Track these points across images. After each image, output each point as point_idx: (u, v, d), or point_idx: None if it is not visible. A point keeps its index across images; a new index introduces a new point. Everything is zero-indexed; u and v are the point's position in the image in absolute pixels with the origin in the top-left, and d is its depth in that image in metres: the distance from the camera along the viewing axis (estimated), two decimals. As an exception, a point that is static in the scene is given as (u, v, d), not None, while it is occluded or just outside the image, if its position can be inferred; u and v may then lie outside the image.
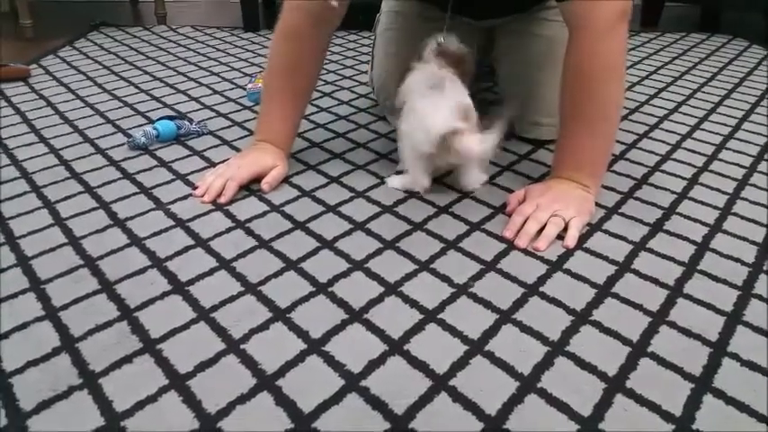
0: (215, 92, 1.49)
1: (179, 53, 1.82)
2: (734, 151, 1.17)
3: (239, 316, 0.72)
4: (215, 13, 2.37)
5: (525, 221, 0.88)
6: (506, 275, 0.80)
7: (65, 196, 0.99)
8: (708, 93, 1.49)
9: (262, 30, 2.08)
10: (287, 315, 0.72)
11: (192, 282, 0.78)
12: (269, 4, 2.31)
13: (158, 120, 1.21)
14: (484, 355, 0.67)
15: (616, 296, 0.76)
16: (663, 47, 1.90)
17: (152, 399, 0.61)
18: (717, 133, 1.25)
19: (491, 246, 0.87)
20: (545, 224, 0.88)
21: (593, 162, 0.94)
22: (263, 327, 0.70)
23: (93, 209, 0.95)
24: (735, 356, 0.67)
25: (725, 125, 1.29)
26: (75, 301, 0.75)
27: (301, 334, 0.69)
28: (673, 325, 0.71)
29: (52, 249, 0.85)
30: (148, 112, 1.35)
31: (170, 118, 1.22)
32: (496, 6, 1.16)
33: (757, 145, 1.20)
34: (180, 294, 0.76)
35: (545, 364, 0.65)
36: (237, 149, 1.17)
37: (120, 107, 1.38)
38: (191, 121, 1.23)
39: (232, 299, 0.75)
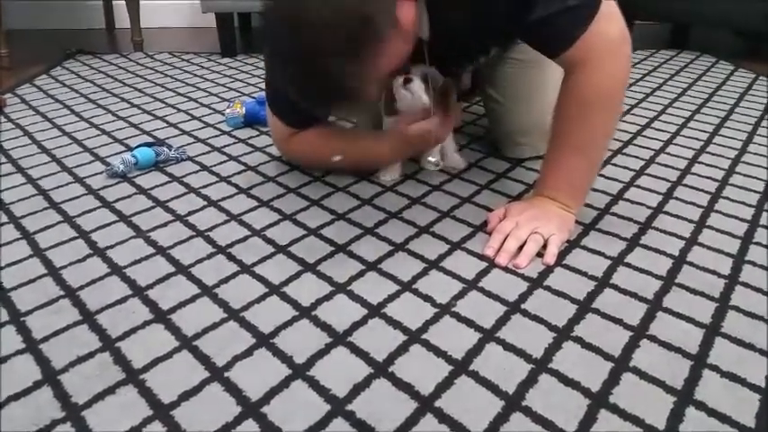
0: (193, 117, 1.49)
1: (156, 80, 1.82)
2: (706, 165, 1.20)
3: (222, 343, 0.72)
4: (192, 39, 2.38)
5: (505, 239, 0.89)
6: (488, 294, 0.81)
7: (44, 226, 0.98)
8: (679, 108, 1.53)
9: (239, 55, 2.09)
10: (270, 340, 0.72)
11: (173, 309, 0.78)
12: (246, 30, 2.33)
13: (137, 147, 1.21)
14: (468, 375, 0.67)
15: (597, 311, 0.77)
16: (633, 64, 1.95)
17: (136, 430, 0.60)
18: (689, 147, 1.28)
19: (472, 264, 0.87)
20: (525, 241, 0.89)
21: (575, 184, 0.95)
22: (247, 353, 0.70)
23: (73, 238, 0.95)
24: (715, 368, 0.68)
25: (696, 140, 1.33)
26: (56, 333, 0.74)
27: (285, 359, 0.69)
28: (653, 339, 0.72)
29: (32, 281, 0.84)
30: (127, 139, 1.34)
31: (148, 145, 1.22)
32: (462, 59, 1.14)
33: (728, 158, 1.23)
34: (162, 323, 0.75)
35: (529, 382, 0.66)
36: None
37: (97, 135, 1.37)
38: (169, 147, 1.23)
39: (215, 326, 0.75)
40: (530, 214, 0.92)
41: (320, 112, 0.96)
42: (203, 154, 1.27)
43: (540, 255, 0.88)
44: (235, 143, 1.32)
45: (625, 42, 0.89)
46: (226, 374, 0.67)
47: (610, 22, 0.87)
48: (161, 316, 0.76)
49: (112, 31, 2.52)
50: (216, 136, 1.37)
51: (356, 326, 0.75)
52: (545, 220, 0.91)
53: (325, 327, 0.74)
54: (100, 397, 0.64)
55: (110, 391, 0.65)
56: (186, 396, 0.64)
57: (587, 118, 0.91)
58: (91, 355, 0.70)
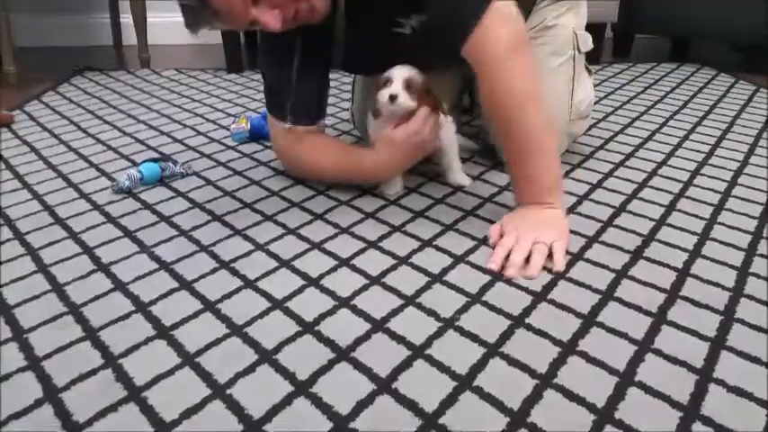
0: (199, 133, 1.50)
1: (163, 96, 1.83)
2: (708, 177, 1.20)
3: (225, 359, 0.72)
4: (198, 55, 2.40)
5: (509, 253, 0.90)
6: (492, 308, 0.81)
7: (48, 242, 0.98)
8: (680, 120, 1.53)
9: (245, 71, 2.11)
10: (273, 357, 0.72)
11: (176, 326, 0.78)
12: (251, 46, 2.35)
13: (142, 162, 1.22)
14: (473, 391, 0.66)
15: (601, 325, 0.77)
16: (635, 77, 1.96)
17: (137, 448, 0.60)
18: (691, 160, 1.28)
19: (476, 278, 0.87)
20: (530, 253, 0.89)
21: (547, 181, 0.96)
22: (250, 370, 0.70)
23: (77, 254, 0.95)
24: (721, 383, 0.67)
25: (698, 152, 1.32)
26: (59, 350, 0.74)
27: (288, 376, 0.69)
28: (658, 353, 0.72)
29: (36, 297, 0.84)
30: (133, 155, 1.35)
31: (154, 160, 1.23)
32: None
33: (730, 170, 1.23)
34: (164, 339, 0.75)
35: (534, 398, 0.65)
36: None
37: (103, 151, 1.38)
38: (175, 162, 1.24)
39: (217, 342, 0.75)
40: (526, 226, 0.93)
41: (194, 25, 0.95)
42: (208, 169, 1.27)
43: (544, 267, 0.88)
44: (240, 158, 1.33)
45: (519, 45, 0.92)
46: (228, 392, 0.67)
47: (501, 26, 0.91)
48: (163, 332, 0.76)
49: (120, 49, 2.55)
50: (221, 151, 1.38)
51: (359, 341, 0.74)
52: (542, 228, 0.92)
53: (329, 342, 0.74)
54: (101, 415, 0.64)
55: (111, 408, 0.65)
56: (188, 414, 0.64)
57: (514, 121, 0.94)
58: (93, 372, 0.70)
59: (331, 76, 1.18)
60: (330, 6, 0.98)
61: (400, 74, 1.02)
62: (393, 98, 1.01)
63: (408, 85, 1.02)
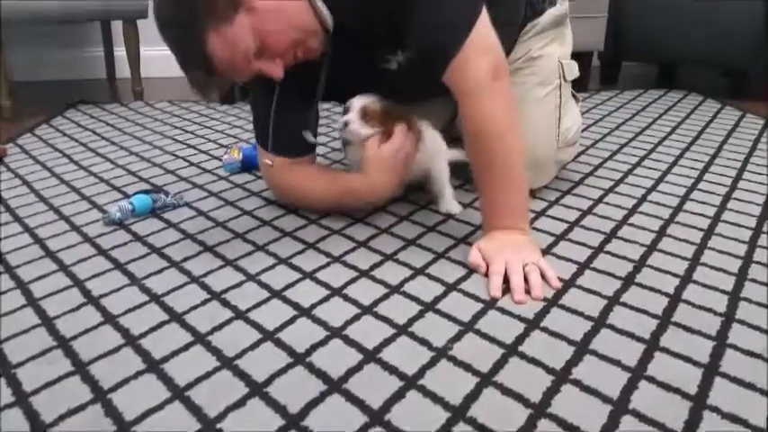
0: (191, 164, 1.50)
1: (155, 127, 1.85)
2: (698, 202, 1.21)
3: (215, 393, 0.71)
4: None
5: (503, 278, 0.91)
6: (485, 336, 0.80)
7: (39, 275, 0.98)
8: (668, 146, 1.55)
9: (237, 102, 2.13)
10: (264, 389, 0.71)
11: (166, 359, 0.77)
12: (244, 77, 2.37)
13: (134, 194, 1.22)
14: (466, 422, 0.66)
15: (594, 353, 0.76)
16: (623, 104, 1.99)
17: (125, 486, 0.59)
18: (680, 185, 1.29)
19: (468, 306, 0.87)
20: (524, 275, 0.91)
21: (516, 207, 0.99)
22: (240, 403, 0.69)
23: (68, 287, 0.94)
24: (715, 409, 0.67)
25: (687, 177, 1.34)
26: (48, 384, 0.73)
27: (279, 409, 0.68)
28: (651, 380, 0.71)
29: (25, 331, 0.83)
30: (125, 186, 1.35)
31: (146, 192, 1.23)
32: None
33: (719, 195, 1.24)
34: (154, 373, 0.74)
35: (528, 428, 0.65)
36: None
37: (95, 183, 1.38)
38: (167, 193, 1.24)
39: (207, 375, 0.74)
40: (509, 250, 0.94)
41: (194, 81, 0.99)
42: (200, 199, 1.28)
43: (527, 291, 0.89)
44: (231, 188, 1.34)
45: (498, 77, 0.94)
46: (218, 426, 0.66)
47: (480, 56, 0.93)
48: (153, 365, 0.76)
49: (114, 82, 2.57)
50: (213, 181, 1.38)
51: (352, 372, 0.74)
52: (524, 252, 0.94)
53: (320, 374, 0.74)
54: (90, 451, 0.63)
55: (100, 444, 0.64)
56: (178, 448, 0.63)
57: (491, 149, 0.96)
58: (82, 407, 0.69)
59: (323, 106, 1.19)
60: (325, 44, 1.00)
61: (358, 102, 1.08)
62: (346, 125, 1.07)
63: (365, 114, 1.06)
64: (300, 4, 0.95)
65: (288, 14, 0.94)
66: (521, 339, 0.79)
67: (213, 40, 0.89)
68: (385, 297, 0.90)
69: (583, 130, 1.56)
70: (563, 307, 0.86)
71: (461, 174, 1.37)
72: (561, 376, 0.72)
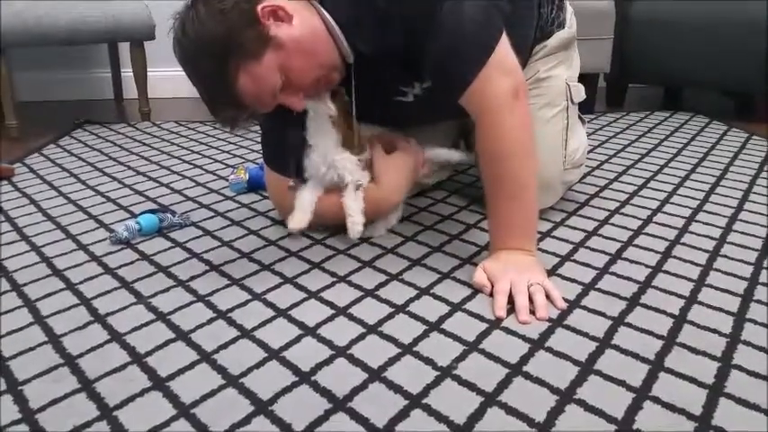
0: (198, 184, 1.52)
1: (163, 148, 1.87)
2: (703, 224, 1.21)
3: (220, 411, 0.71)
4: (199, 108, 2.42)
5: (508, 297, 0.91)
6: (489, 356, 0.80)
7: (45, 294, 0.99)
8: (674, 168, 1.56)
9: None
10: (269, 407, 0.71)
11: (172, 377, 0.77)
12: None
13: (141, 213, 1.23)
14: (470, 441, 0.66)
15: (598, 373, 0.76)
16: (629, 125, 2.00)
17: (129, 504, 0.59)
18: (686, 206, 1.30)
19: (473, 326, 0.87)
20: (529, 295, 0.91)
21: (525, 229, 1.00)
22: (245, 421, 0.69)
23: (74, 305, 0.95)
24: (720, 430, 0.66)
25: (693, 198, 1.34)
26: (54, 402, 0.73)
27: (284, 427, 0.68)
28: (656, 400, 0.71)
29: (32, 348, 0.84)
30: (131, 206, 1.37)
31: (152, 211, 1.24)
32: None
33: (725, 216, 1.24)
34: (160, 390, 0.75)
35: (532, 448, 0.65)
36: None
37: (102, 202, 1.40)
38: (173, 213, 1.25)
39: (213, 393, 0.74)
40: (514, 270, 0.94)
41: (224, 117, 1.04)
42: (206, 219, 1.29)
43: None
44: (238, 208, 1.35)
45: (518, 97, 0.95)
46: (223, 443, 0.66)
47: (501, 77, 0.94)
48: (159, 383, 0.76)
49: (121, 102, 2.60)
50: (219, 201, 1.39)
51: (356, 391, 0.74)
52: (529, 272, 0.94)
53: (325, 392, 0.74)
54: (95, 469, 0.63)
55: (105, 462, 0.64)
56: (182, 467, 0.63)
57: (506, 169, 0.97)
58: (87, 425, 0.69)
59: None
60: (344, 73, 1.03)
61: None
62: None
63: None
64: (325, 41, 0.98)
65: (314, 52, 0.97)
66: (525, 359, 0.79)
67: (242, 77, 0.92)
68: (390, 316, 0.90)
69: (589, 152, 1.57)
70: (568, 327, 0.86)
71: (468, 193, 1.39)
72: (566, 396, 0.72)
